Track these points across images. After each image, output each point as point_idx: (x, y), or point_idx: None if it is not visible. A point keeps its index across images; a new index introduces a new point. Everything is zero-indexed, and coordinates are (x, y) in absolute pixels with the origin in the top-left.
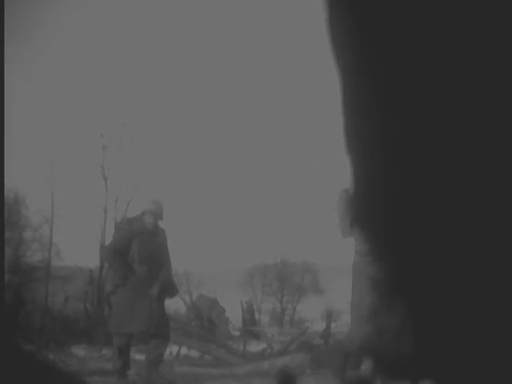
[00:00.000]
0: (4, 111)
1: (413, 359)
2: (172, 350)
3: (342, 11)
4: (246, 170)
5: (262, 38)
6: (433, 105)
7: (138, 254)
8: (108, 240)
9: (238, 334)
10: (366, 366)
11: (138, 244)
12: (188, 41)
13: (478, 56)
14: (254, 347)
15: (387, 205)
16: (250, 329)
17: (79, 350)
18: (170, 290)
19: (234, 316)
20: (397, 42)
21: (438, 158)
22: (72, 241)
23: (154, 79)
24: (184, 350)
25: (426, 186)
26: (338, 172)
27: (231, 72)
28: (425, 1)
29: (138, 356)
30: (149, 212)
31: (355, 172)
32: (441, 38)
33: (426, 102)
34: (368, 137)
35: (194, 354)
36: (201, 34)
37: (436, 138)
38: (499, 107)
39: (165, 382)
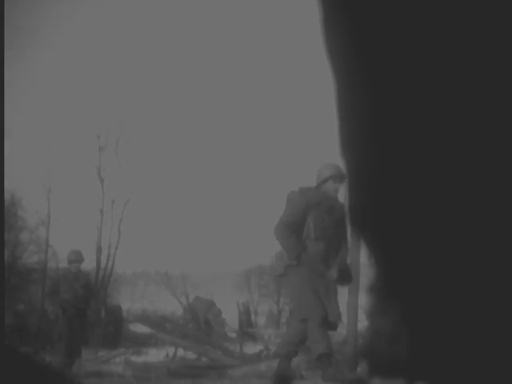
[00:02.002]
0: (4, 114)
1: (408, 362)
2: (168, 351)
3: (337, 12)
4: (243, 172)
5: (259, 40)
6: (430, 106)
7: (314, 229)
8: (104, 242)
9: (234, 335)
10: (363, 369)
11: (314, 217)
12: (185, 44)
13: (476, 56)
14: (251, 349)
15: (383, 206)
16: (247, 330)
17: None
18: (347, 274)
19: (231, 318)
20: (393, 43)
21: (435, 160)
22: (68, 242)
23: (151, 81)
24: (180, 352)
25: (422, 189)
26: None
27: (227, 76)
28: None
29: (133, 358)
30: (334, 176)
31: (350, 174)
32: (438, 38)
33: (423, 104)
34: (363, 139)
35: (191, 355)
36: (197, 38)
37: (433, 141)
38: (498, 110)
39: (294, 375)
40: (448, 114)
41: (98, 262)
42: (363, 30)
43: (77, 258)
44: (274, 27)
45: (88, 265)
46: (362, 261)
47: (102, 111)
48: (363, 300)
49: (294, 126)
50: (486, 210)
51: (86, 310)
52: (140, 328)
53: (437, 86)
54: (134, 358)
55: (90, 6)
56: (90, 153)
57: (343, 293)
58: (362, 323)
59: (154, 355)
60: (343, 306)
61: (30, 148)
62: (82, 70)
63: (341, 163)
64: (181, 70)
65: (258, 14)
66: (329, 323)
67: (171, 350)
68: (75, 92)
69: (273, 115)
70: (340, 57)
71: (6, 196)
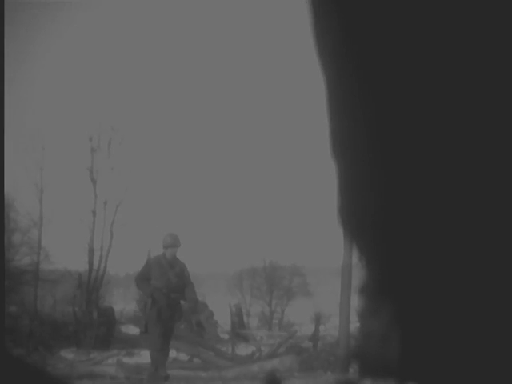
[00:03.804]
0: (4, 116)
1: (399, 363)
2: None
3: (328, 10)
4: (235, 174)
5: (250, 40)
6: (423, 106)
7: None
8: (96, 243)
9: (226, 337)
10: (355, 369)
11: None
12: (177, 43)
13: (469, 54)
14: (243, 350)
15: (374, 208)
16: (239, 332)
17: (68, 354)
18: None
19: (223, 319)
20: (385, 41)
21: (427, 160)
22: (61, 244)
23: (144, 82)
24: (173, 353)
25: (414, 189)
26: (325, 176)
27: (220, 76)
28: None
29: (125, 359)
30: None
31: (341, 175)
32: (431, 36)
33: (415, 103)
34: (354, 139)
35: (183, 357)
36: (189, 38)
37: (426, 141)
38: (492, 109)
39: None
40: (440, 112)
41: (91, 263)
42: (354, 29)
43: (174, 242)
44: (264, 27)
45: (80, 267)
46: (354, 262)
47: (94, 112)
48: (355, 301)
49: (287, 130)
50: (476, 212)
51: (179, 301)
52: (132, 329)
53: (430, 85)
54: (126, 360)
55: (82, 9)
56: (82, 154)
57: (336, 294)
58: (355, 324)
59: (146, 356)
60: (335, 308)
61: (23, 149)
62: (74, 71)
63: (331, 164)
64: (173, 71)
65: (249, 14)
66: None
67: None
68: (67, 93)
69: (263, 117)
70: (331, 56)
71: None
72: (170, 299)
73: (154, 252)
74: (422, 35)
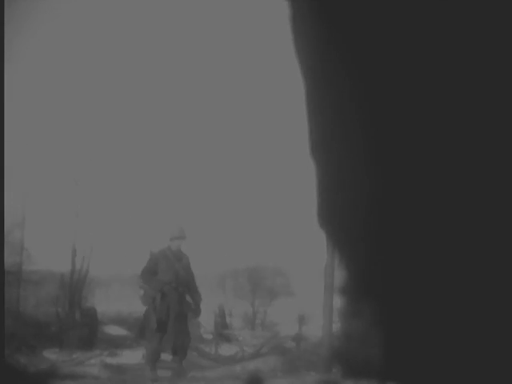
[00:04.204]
0: (4, 118)
1: (380, 363)
2: (144, 353)
3: (306, 11)
4: (217, 175)
5: (235, 44)
6: (404, 106)
7: None
8: (79, 244)
9: (209, 337)
10: (338, 369)
11: None
12: (168, 46)
13: (450, 54)
14: (226, 350)
15: (354, 208)
16: (222, 332)
17: (51, 354)
18: None
19: (206, 319)
20: (363, 42)
21: (407, 161)
22: (43, 245)
23: (136, 82)
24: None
25: (393, 191)
26: (307, 177)
27: (211, 82)
28: None
29: (108, 360)
30: None
31: (320, 176)
32: (410, 38)
33: (397, 103)
34: (333, 140)
35: (166, 357)
36: (178, 41)
37: (406, 141)
38: (471, 109)
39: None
40: (418, 113)
41: (73, 264)
42: (333, 32)
43: (180, 234)
44: (247, 31)
45: (63, 267)
46: (337, 262)
47: (81, 112)
48: (338, 301)
49: (268, 129)
50: (455, 212)
51: (186, 295)
52: (115, 330)
53: (409, 87)
54: (109, 360)
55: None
56: (66, 155)
57: (319, 294)
58: (338, 324)
59: (130, 357)
60: (318, 308)
61: (7, 149)
62: (63, 72)
63: (311, 164)
64: (165, 69)
65: (233, 19)
66: None
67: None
68: (56, 93)
69: (247, 121)
70: (310, 59)
71: None
72: (179, 293)
73: (155, 246)
74: (401, 37)
